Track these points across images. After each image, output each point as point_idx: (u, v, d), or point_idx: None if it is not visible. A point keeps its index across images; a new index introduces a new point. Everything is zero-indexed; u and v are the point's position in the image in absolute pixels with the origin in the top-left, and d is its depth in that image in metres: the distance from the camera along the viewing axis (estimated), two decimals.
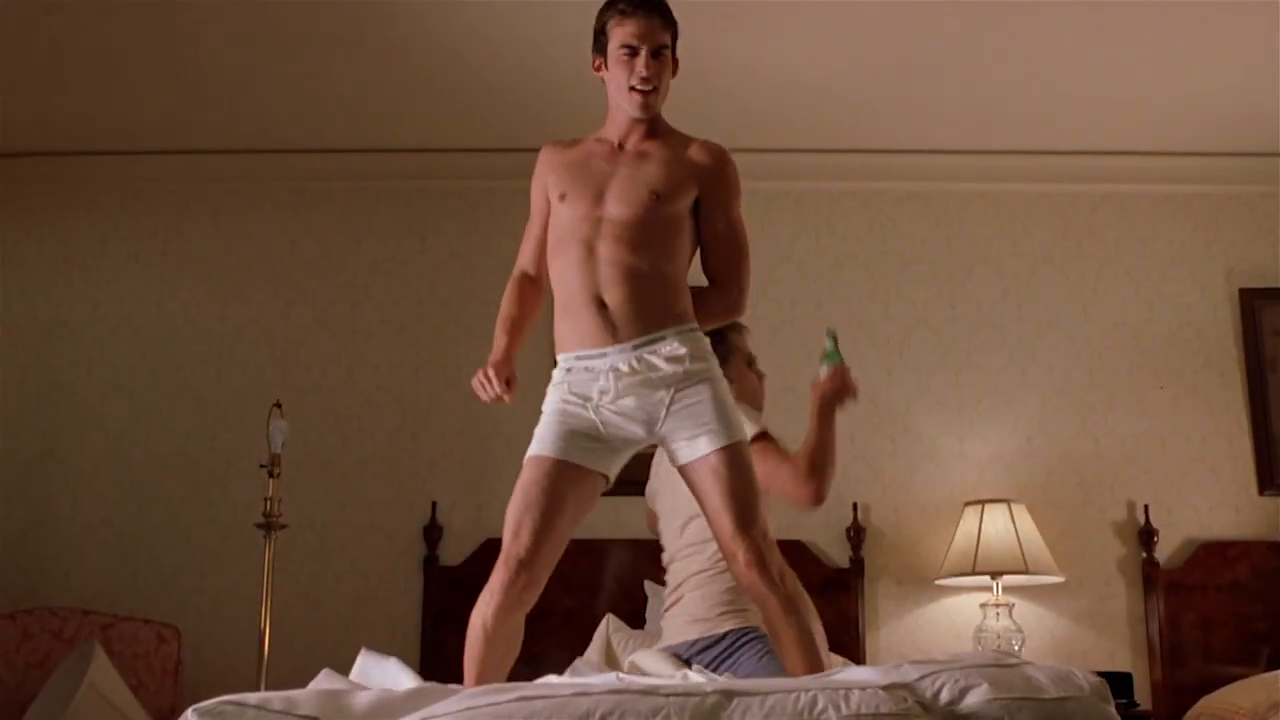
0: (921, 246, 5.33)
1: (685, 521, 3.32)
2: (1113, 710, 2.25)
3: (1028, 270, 5.30)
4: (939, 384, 5.18)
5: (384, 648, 4.69)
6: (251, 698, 2.22)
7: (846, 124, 5.08)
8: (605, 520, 4.85)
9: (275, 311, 5.26)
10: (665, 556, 3.46)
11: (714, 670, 2.98)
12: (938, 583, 4.84)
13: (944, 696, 2.20)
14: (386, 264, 5.31)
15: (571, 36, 4.39)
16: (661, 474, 3.44)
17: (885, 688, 2.17)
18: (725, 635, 3.17)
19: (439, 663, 4.53)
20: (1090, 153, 5.29)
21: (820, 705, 2.09)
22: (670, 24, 2.92)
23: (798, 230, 5.24)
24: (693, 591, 3.28)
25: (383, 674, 2.73)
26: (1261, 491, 5.03)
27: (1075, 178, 5.34)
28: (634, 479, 5.01)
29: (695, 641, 3.20)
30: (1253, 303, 5.21)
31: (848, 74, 4.68)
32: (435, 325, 5.23)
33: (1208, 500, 5.04)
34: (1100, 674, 4.36)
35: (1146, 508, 4.98)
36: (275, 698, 2.25)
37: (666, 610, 3.38)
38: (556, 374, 2.86)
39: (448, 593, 4.90)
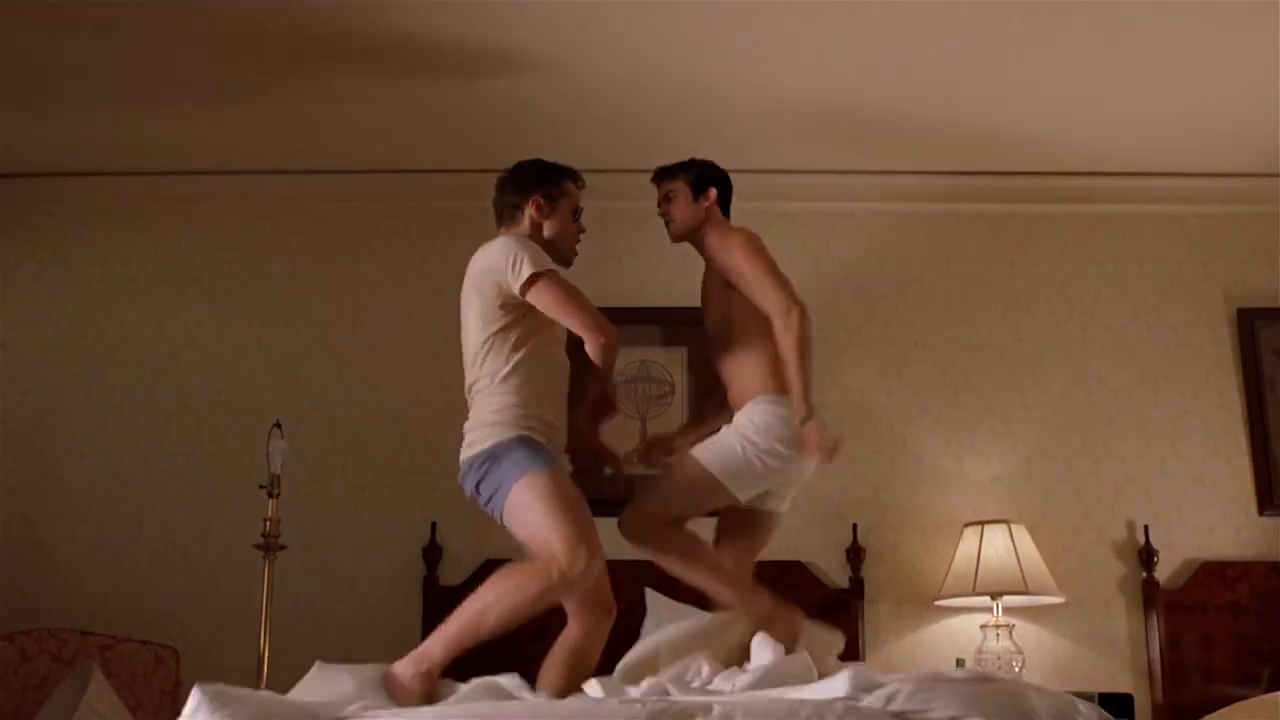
0: (920, 268, 5.34)
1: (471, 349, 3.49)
2: None
3: (1026, 291, 5.31)
4: (938, 405, 5.18)
5: None
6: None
7: (845, 145, 5.10)
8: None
9: (275, 332, 5.27)
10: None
11: (483, 482, 3.32)
12: (937, 603, 4.83)
13: None
14: (386, 285, 5.32)
15: (575, 58, 4.43)
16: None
17: (849, 698, 2.16)
18: (483, 450, 3.35)
19: None
20: (1088, 174, 5.30)
21: (804, 714, 2.10)
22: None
23: (795, 252, 5.23)
24: (474, 405, 3.48)
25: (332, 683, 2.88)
26: (1261, 511, 5.03)
27: (1074, 198, 5.36)
28: (624, 499, 5.03)
29: (470, 460, 3.39)
30: (1251, 322, 5.22)
31: (845, 95, 4.70)
32: (435, 346, 5.23)
33: (1207, 520, 5.03)
34: (1101, 695, 4.39)
35: (1146, 528, 4.98)
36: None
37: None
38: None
39: (447, 613, 4.87)
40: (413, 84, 4.62)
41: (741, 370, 3.74)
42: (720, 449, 3.61)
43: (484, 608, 3.19)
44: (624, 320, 4.86)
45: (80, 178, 5.36)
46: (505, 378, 3.38)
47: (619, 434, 5.08)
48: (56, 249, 5.38)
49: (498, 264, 3.40)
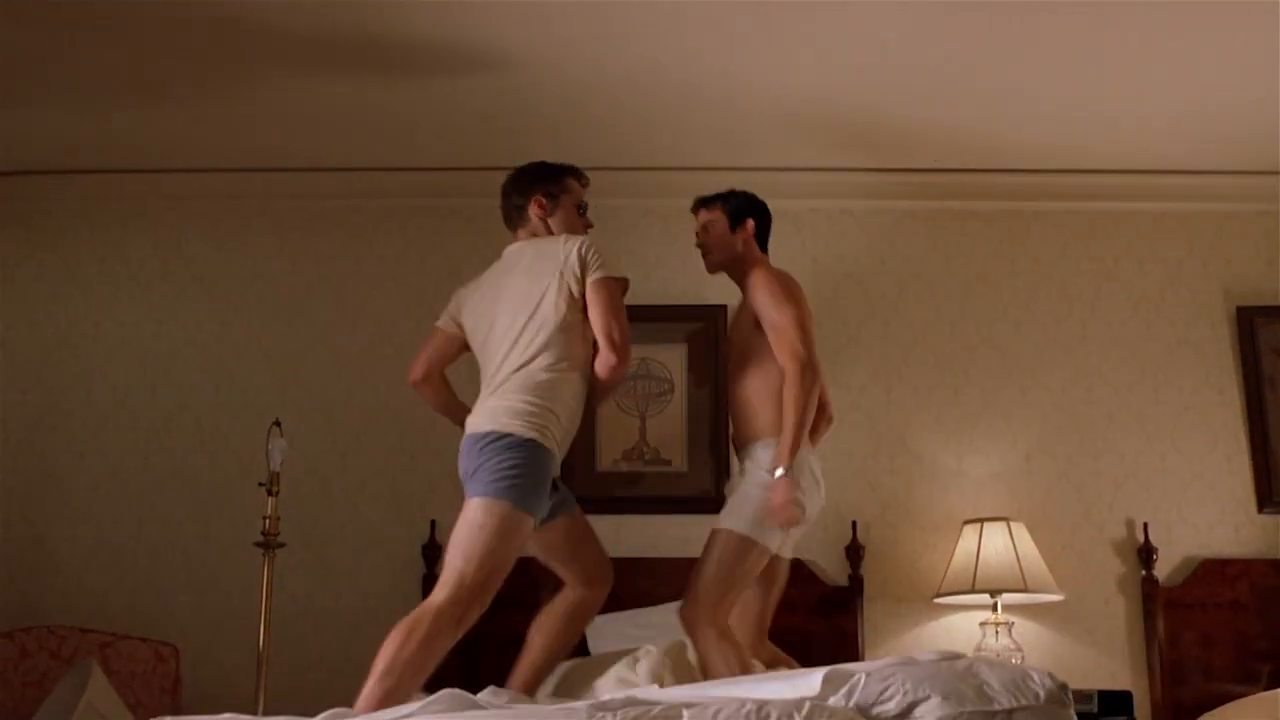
0: (919, 265, 5.33)
1: (536, 328, 3.50)
2: (1070, 714, 2.22)
3: (1026, 288, 5.30)
4: (937, 402, 5.18)
5: None
6: None
7: (846, 143, 5.10)
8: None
9: (274, 330, 5.27)
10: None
11: (484, 459, 3.31)
12: (937, 601, 4.83)
13: (891, 707, 2.19)
14: (386, 283, 5.32)
15: (578, 55, 4.43)
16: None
17: (821, 701, 2.17)
18: (510, 436, 3.35)
19: (437, 682, 4.50)
20: (1088, 171, 5.30)
21: (774, 718, 2.11)
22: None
23: (796, 250, 5.23)
24: (506, 384, 3.47)
25: None
26: (1261, 509, 5.03)
27: (1073, 196, 5.35)
28: (623, 496, 5.04)
29: (486, 434, 3.38)
30: (1251, 320, 5.22)
31: (845, 94, 4.70)
32: None
33: (1207, 518, 5.03)
34: (1101, 692, 4.39)
35: (1146, 525, 4.98)
36: None
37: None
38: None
39: None
40: (412, 82, 4.62)
41: (752, 410, 3.79)
42: (740, 509, 3.67)
43: (386, 670, 3.14)
44: None
45: (79, 176, 5.35)
46: (567, 371, 3.46)
47: (617, 432, 5.10)
48: (56, 247, 5.38)
49: (579, 257, 3.50)
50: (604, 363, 3.47)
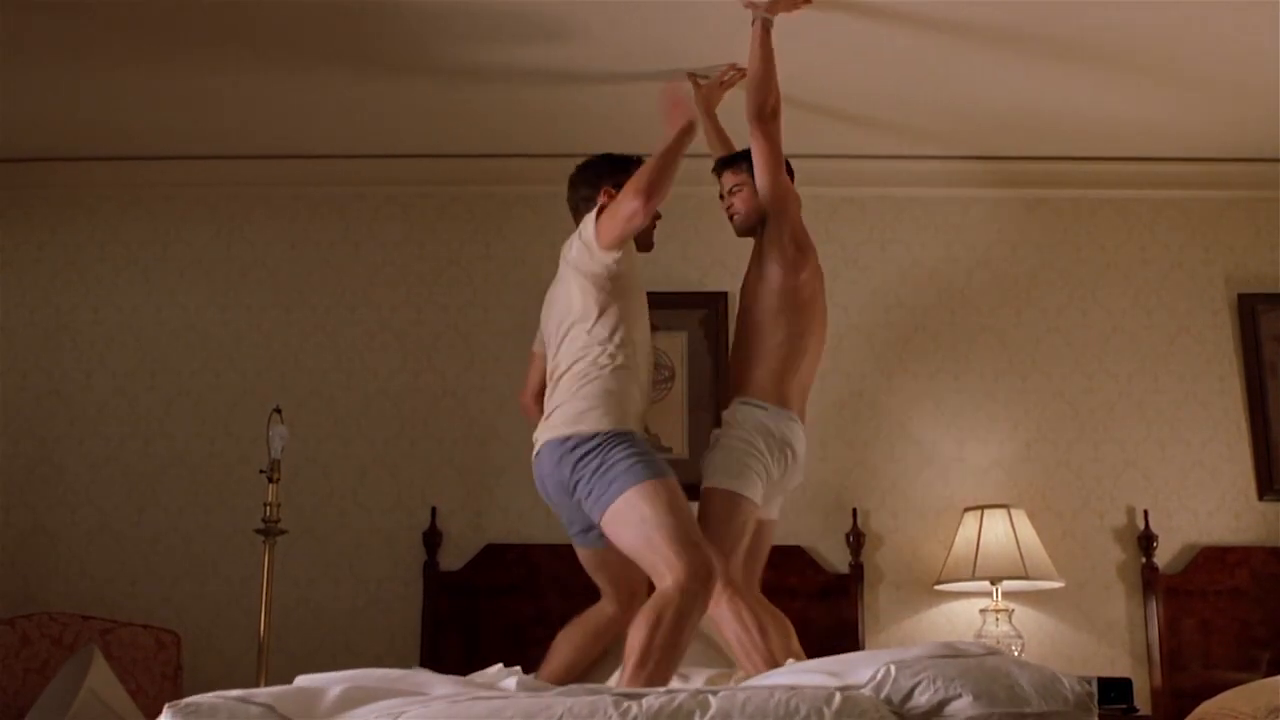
0: (920, 252, 5.33)
1: (567, 328, 3.54)
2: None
3: (1026, 275, 5.30)
4: (938, 389, 5.18)
5: (384, 653, 4.75)
6: (232, 693, 2.31)
7: (845, 130, 5.08)
8: None
9: (275, 317, 5.26)
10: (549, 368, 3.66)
11: (583, 469, 3.30)
12: (937, 588, 4.84)
13: (922, 703, 2.18)
14: (386, 269, 5.31)
15: (576, 40, 4.41)
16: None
17: (845, 688, 2.16)
18: (595, 435, 3.35)
19: (439, 668, 4.51)
20: (1089, 158, 5.29)
21: (803, 712, 2.10)
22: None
23: None
24: (567, 393, 3.47)
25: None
26: (1261, 496, 5.03)
27: (1075, 183, 5.34)
28: None
29: (569, 438, 3.37)
30: (1252, 307, 5.21)
31: (845, 81, 4.68)
32: (434, 331, 5.23)
33: (1207, 505, 5.04)
34: (1100, 679, 4.39)
35: (1146, 513, 4.98)
36: (259, 692, 2.33)
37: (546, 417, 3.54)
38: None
39: (448, 598, 4.90)
40: (411, 69, 4.60)
41: (738, 370, 3.78)
42: (720, 465, 3.63)
43: (641, 659, 3.09)
44: None
45: (79, 162, 5.34)
46: (612, 356, 3.44)
47: None
48: (56, 233, 5.37)
49: (582, 235, 3.51)
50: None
